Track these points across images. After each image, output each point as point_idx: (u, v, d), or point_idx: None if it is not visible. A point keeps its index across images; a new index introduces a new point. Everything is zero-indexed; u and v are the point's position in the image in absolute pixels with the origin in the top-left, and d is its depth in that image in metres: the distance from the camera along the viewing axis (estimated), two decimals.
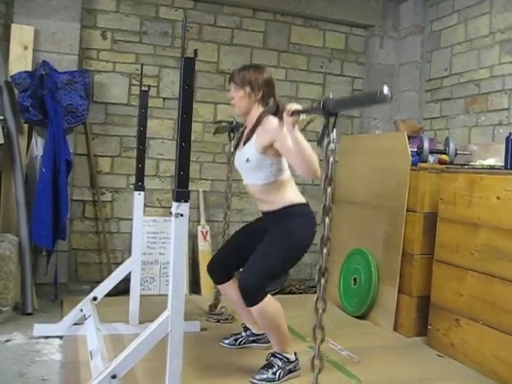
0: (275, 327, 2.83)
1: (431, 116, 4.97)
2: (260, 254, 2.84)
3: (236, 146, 3.19)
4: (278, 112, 2.74)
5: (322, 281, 2.09)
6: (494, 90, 4.25)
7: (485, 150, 4.13)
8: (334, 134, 2.00)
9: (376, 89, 1.78)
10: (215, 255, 3.28)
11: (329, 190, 2.03)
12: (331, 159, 2.04)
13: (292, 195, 2.94)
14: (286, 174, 2.95)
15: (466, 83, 4.54)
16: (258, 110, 2.97)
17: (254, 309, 2.77)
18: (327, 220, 1.99)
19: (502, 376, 2.94)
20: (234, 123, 3.74)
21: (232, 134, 3.81)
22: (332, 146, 2.02)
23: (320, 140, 2.06)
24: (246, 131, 3.03)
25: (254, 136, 2.90)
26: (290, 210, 2.89)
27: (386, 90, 1.73)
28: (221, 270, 3.18)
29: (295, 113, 2.47)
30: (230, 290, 3.17)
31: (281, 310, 2.82)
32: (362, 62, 5.32)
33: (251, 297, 2.76)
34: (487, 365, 3.05)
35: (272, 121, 2.78)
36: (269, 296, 2.79)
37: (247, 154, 2.92)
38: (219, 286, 3.30)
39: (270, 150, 2.83)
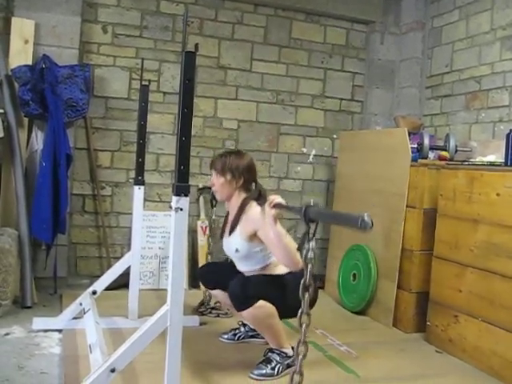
0: (268, 327, 2.84)
1: (431, 112, 4.96)
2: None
3: (222, 234, 3.21)
4: (260, 198, 2.88)
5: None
6: (495, 87, 4.25)
7: (485, 146, 4.13)
8: (313, 242, 2.01)
9: (357, 215, 1.77)
10: (209, 263, 3.33)
11: (306, 295, 2.02)
12: (309, 267, 2.03)
13: (281, 271, 2.90)
14: None
15: (467, 80, 4.53)
16: (239, 196, 3.02)
17: (244, 313, 2.79)
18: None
19: (501, 372, 2.95)
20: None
21: (214, 201, 3.92)
22: (310, 254, 2.01)
23: (300, 246, 2.07)
24: (230, 218, 3.07)
25: (239, 226, 2.95)
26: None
27: (366, 217, 1.75)
28: (213, 279, 3.24)
29: (277, 206, 2.53)
30: (221, 296, 3.23)
31: (272, 310, 2.76)
32: (363, 58, 5.31)
33: (241, 302, 2.77)
34: (486, 361, 3.06)
35: (254, 210, 2.87)
36: (260, 304, 2.73)
37: (235, 245, 2.98)
38: (211, 292, 3.36)
39: (256, 238, 2.88)
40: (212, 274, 3.27)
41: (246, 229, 2.90)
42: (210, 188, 3.37)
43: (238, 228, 2.96)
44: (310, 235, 2.02)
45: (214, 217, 4.12)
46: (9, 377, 2.59)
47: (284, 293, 2.75)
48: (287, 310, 2.57)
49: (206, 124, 4.82)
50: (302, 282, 2.04)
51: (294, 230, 4.79)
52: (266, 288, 2.80)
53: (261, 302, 2.72)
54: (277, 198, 2.57)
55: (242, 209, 2.96)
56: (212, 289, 3.30)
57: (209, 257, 4.09)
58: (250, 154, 3.21)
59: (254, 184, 3.07)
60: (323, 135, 5.17)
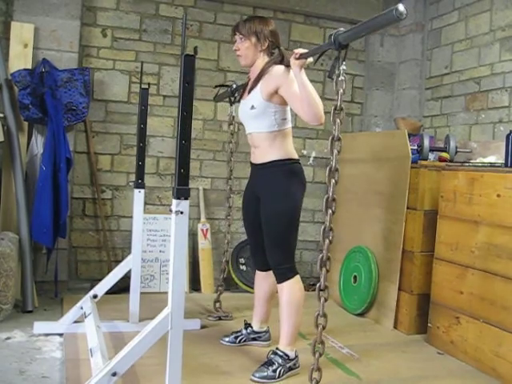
0: (294, 314, 2.88)
1: (431, 114, 4.97)
2: (270, 235, 2.94)
3: (240, 97, 3.22)
4: (283, 62, 2.87)
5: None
6: (495, 88, 4.25)
7: (485, 147, 4.13)
8: (344, 66, 2.16)
9: (389, 8, 1.81)
10: (250, 243, 3.33)
11: (338, 121, 2.28)
12: (341, 90, 2.20)
13: (290, 148, 2.99)
14: (289, 125, 3.01)
15: (467, 81, 4.53)
16: (263, 60, 3.01)
17: (285, 285, 2.88)
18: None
19: (502, 373, 2.94)
20: (234, 86, 3.73)
21: (233, 98, 3.80)
22: (342, 77, 2.18)
23: (330, 71, 2.17)
24: (251, 82, 3.06)
25: (260, 83, 2.93)
26: (286, 166, 2.94)
27: (401, 7, 1.74)
28: (259, 256, 3.21)
29: (302, 56, 2.56)
30: (263, 282, 3.24)
31: (303, 301, 2.90)
32: (363, 60, 5.32)
33: (282, 272, 2.90)
34: (487, 362, 3.05)
35: (278, 67, 2.87)
36: (298, 278, 2.92)
37: (252, 102, 2.95)
38: (257, 273, 3.31)
39: (276, 97, 2.87)
40: (260, 256, 3.19)
41: (268, 85, 2.87)
42: (228, 86, 3.50)
43: (259, 85, 2.93)
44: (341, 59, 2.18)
45: (233, 114, 3.83)
46: (10, 381, 2.59)
47: (288, 212, 2.89)
48: (294, 220, 2.91)
49: (206, 127, 4.83)
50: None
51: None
52: (283, 239, 2.91)
53: (299, 281, 2.92)
54: (300, 50, 2.60)
55: (265, 69, 2.95)
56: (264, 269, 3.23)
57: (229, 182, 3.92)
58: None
59: (277, 50, 3.04)
60: (323, 137, 5.17)
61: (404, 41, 5.20)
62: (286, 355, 2.86)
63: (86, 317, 3.19)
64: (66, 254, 4.31)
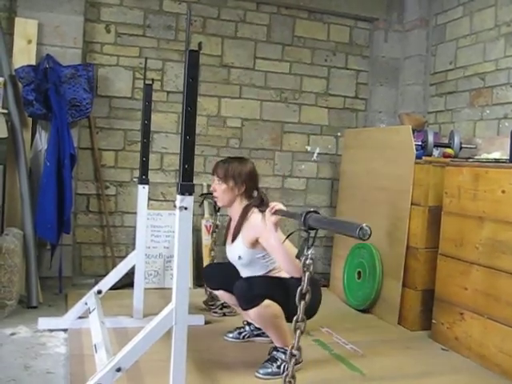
0: (273, 326, 2.83)
1: (436, 109, 4.95)
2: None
3: (225, 240, 3.24)
4: (262, 204, 2.90)
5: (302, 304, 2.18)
6: (499, 84, 4.23)
7: (490, 143, 4.11)
8: (312, 250, 2.07)
9: (355, 225, 1.82)
10: (213, 263, 3.33)
11: (302, 303, 2.14)
12: (307, 274, 2.10)
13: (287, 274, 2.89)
14: None
15: (471, 76, 4.51)
16: (241, 203, 3.03)
17: (250, 312, 2.79)
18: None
19: (507, 369, 2.94)
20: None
21: (217, 207, 3.78)
22: (309, 261, 2.08)
23: (299, 253, 2.12)
24: (232, 225, 3.08)
25: (241, 233, 2.96)
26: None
27: (365, 226, 1.78)
28: (218, 279, 3.23)
29: (277, 212, 2.57)
30: (226, 296, 3.23)
31: (278, 310, 2.76)
32: (367, 56, 5.30)
33: (248, 301, 2.77)
34: (491, 358, 3.05)
35: (256, 217, 2.89)
36: (267, 303, 2.73)
37: (238, 252, 3.00)
38: (216, 292, 3.34)
39: (258, 245, 2.89)
40: (216, 274, 3.27)
41: (248, 236, 2.91)
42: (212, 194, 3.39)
43: (240, 235, 2.97)
44: (309, 243, 2.06)
45: (218, 222, 4.06)
46: (15, 377, 2.60)
47: (288, 295, 2.71)
48: (292, 312, 2.56)
49: (210, 123, 4.82)
50: (298, 289, 2.12)
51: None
52: (271, 288, 2.79)
53: (267, 302, 2.72)
54: (278, 205, 2.61)
55: (243, 216, 2.97)
56: (216, 289, 3.29)
57: (212, 253, 4.07)
58: (253, 160, 3.21)
59: (255, 191, 3.06)
60: (327, 133, 5.16)
61: (408, 36, 5.18)
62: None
63: (90, 312, 3.20)
64: (70, 249, 4.31)
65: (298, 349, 2.18)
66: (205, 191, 4.76)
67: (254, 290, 2.74)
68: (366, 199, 4.28)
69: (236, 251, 3.01)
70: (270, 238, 2.70)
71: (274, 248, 2.72)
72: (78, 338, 3.14)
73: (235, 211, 3.04)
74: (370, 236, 1.82)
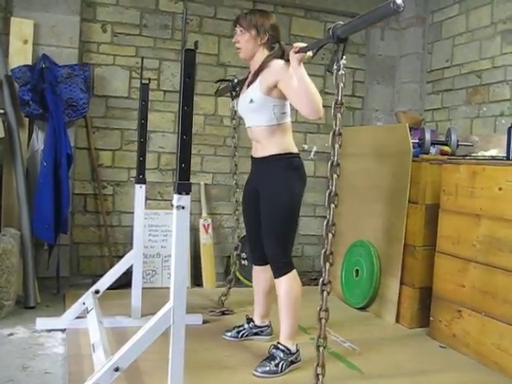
0: (293, 307, 2.89)
1: (432, 107, 4.96)
2: (268, 228, 2.94)
3: (240, 91, 3.24)
4: (283, 56, 2.87)
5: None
6: (496, 81, 4.24)
7: (487, 140, 4.12)
8: (343, 60, 2.15)
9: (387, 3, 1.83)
10: (248, 238, 3.30)
11: (338, 115, 2.26)
12: (341, 85, 2.19)
13: (289, 142, 2.99)
14: (288, 119, 3.00)
15: (468, 74, 4.52)
16: (262, 54, 3.00)
17: (282, 280, 2.88)
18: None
19: (505, 367, 2.95)
20: (236, 81, 3.72)
21: (234, 93, 3.77)
22: (342, 71, 2.17)
23: (330, 65, 2.17)
24: (250, 75, 3.06)
25: (259, 78, 2.93)
26: (285, 160, 2.94)
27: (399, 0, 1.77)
28: (257, 251, 3.19)
29: (302, 49, 2.57)
30: (261, 277, 3.24)
31: (301, 295, 2.92)
32: (363, 54, 5.30)
33: (280, 267, 2.91)
34: (489, 356, 3.06)
35: (277, 62, 2.87)
36: (296, 273, 2.93)
37: (251, 95, 2.96)
38: (254, 268, 3.30)
39: (275, 91, 2.87)
40: (257, 250, 3.19)
41: (268, 80, 2.87)
42: (229, 81, 3.50)
43: (258, 79, 2.92)
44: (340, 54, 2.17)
45: (236, 108, 3.68)
46: (13, 377, 2.60)
47: (288, 205, 2.89)
48: (294, 214, 2.92)
49: (207, 122, 4.82)
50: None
51: None
52: (282, 232, 2.92)
53: (296, 275, 2.93)
54: (300, 44, 2.62)
55: (264, 64, 2.94)
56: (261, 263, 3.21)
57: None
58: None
59: (277, 45, 3.04)
60: (324, 132, 5.17)
61: (405, 34, 5.18)
62: (288, 349, 2.86)
63: (88, 312, 3.19)
64: (67, 249, 4.31)
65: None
66: (202, 190, 4.76)
67: (281, 257, 2.91)
68: (363, 197, 4.28)
69: (250, 94, 2.96)
70: (291, 80, 2.69)
71: (294, 90, 2.70)
72: (75, 338, 3.14)
73: (257, 63, 3.00)
74: (404, 7, 1.82)
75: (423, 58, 5.05)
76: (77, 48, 4.27)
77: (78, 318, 3.32)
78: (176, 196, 2.10)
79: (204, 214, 4.71)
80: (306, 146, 5.10)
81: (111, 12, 4.52)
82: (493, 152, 3.78)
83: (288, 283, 2.89)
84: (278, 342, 2.90)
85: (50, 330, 3.26)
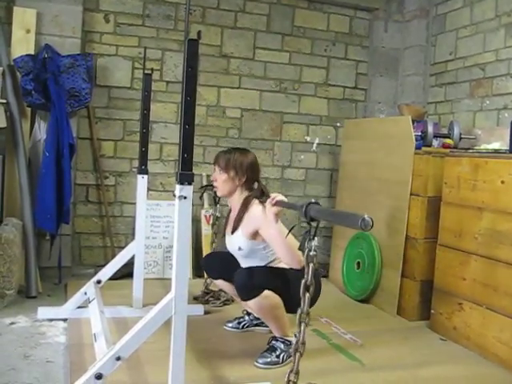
0: (273, 317, 2.85)
1: (435, 100, 4.94)
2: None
3: (224, 231, 3.22)
4: (262, 196, 2.88)
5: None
6: (500, 74, 4.22)
7: (489, 134, 4.10)
8: (315, 241, 2.05)
9: (357, 216, 1.82)
10: (213, 252, 3.31)
11: (306, 295, 2.11)
12: (311, 266, 2.08)
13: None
14: None
15: (471, 67, 4.50)
16: (241, 193, 3.01)
17: (249, 303, 2.80)
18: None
19: (505, 359, 2.95)
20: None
21: (217, 198, 3.80)
22: (313, 252, 2.05)
23: (301, 245, 2.10)
24: (232, 216, 3.06)
25: (241, 225, 2.95)
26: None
27: (366, 217, 1.78)
28: (218, 269, 3.22)
29: (278, 203, 2.57)
30: (225, 285, 3.22)
31: (277, 301, 2.78)
32: (367, 46, 5.28)
33: (247, 292, 2.77)
34: (490, 348, 3.06)
35: (256, 208, 2.87)
36: (265, 291, 2.74)
37: (238, 244, 2.98)
38: (215, 281, 3.32)
39: (259, 236, 2.88)
40: (217, 263, 3.26)
41: (248, 227, 2.90)
42: (212, 185, 3.33)
43: (241, 227, 2.96)
44: (311, 234, 2.05)
45: (218, 214, 4.00)
46: (15, 366, 2.61)
47: (288, 287, 2.73)
48: (291, 304, 2.61)
49: (209, 113, 4.81)
50: (303, 282, 2.10)
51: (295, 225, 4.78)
52: (271, 279, 2.80)
53: (267, 292, 2.73)
54: (278, 196, 2.61)
55: (244, 207, 2.96)
56: (216, 278, 3.29)
57: (213, 245, 4.06)
58: (253, 151, 3.17)
59: (256, 183, 3.05)
60: (327, 123, 5.16)
61: (408, 26, 5.16)
62: (288, 341, 2.86)
63: (89, 302, 3.20)
64: (69, 239, 4.32)
65: (303, 343, 2.16)
66: (204, 182, 4.76)
67: (254, 281, 2.74)
68: (366, 190, 4.28)
69: (236, 242, 3.00)
70: (270, 229, 2.70)
71: (274, 240, 2.72)
72: (77, 328, 3.15)
73: (235, 202, 3.03)
74: (372, 227, 1.82)
75: (427, 51, 5.03)
76: (79, 38, 4.26)
77: (79, 307, 3.34)
78: (178, 186, 2.10)
79: (206, 205, 4.71)
80: (308, 138, 5.10)
81: (114, 2, 4.50)
82: (495, 145, 3.77)
83: (257, 303, 2.76)
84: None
85: (51, 320, 3.27)
